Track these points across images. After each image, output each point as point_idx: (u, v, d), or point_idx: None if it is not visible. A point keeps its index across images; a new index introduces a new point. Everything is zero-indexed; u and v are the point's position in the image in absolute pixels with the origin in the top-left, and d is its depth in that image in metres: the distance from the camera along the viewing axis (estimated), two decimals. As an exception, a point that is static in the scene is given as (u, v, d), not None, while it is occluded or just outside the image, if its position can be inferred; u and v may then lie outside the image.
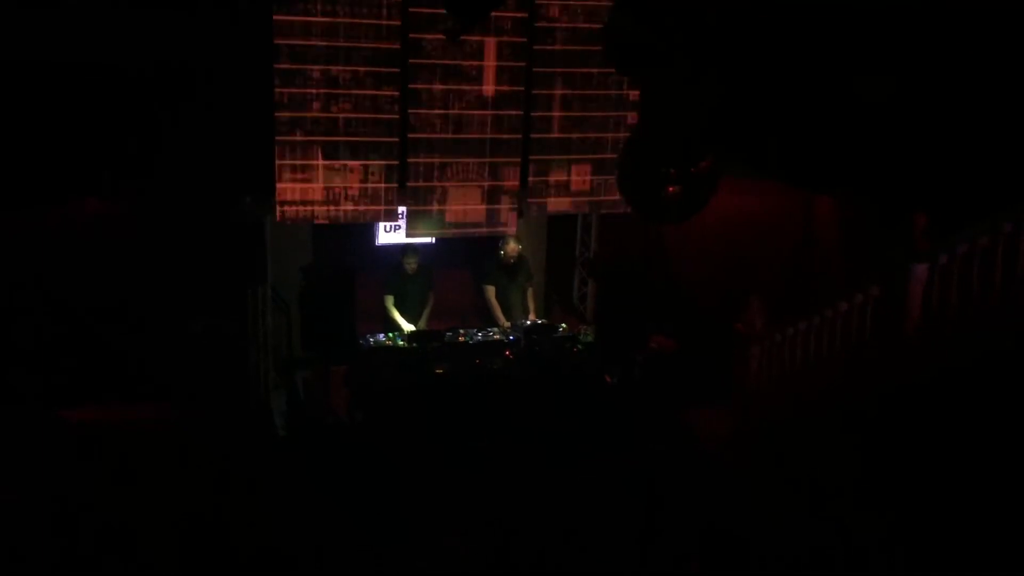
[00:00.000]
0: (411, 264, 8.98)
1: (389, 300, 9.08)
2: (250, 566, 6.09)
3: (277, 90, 7.72)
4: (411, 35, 7.96)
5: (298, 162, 7.93)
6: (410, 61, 8.02)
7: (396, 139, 8.17)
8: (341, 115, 7.95)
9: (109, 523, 6.32)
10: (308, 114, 7.86)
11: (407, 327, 8.93)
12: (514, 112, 8.47)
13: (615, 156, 8.56)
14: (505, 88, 8.38)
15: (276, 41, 7.62)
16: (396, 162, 8.23)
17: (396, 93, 8.06)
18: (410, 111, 8.14)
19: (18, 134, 7.26)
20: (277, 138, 7.82)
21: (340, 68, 7.83)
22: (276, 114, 7.77)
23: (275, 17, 7.56)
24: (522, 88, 8.44)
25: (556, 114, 8.60)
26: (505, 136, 8.50)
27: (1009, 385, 6.32)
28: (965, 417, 6.51)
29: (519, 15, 8.21)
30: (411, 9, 7.90)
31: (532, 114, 8.55)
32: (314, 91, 7.82)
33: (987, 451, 6.34)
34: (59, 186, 7.60)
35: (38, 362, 7.88)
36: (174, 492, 6.68)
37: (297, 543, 6.33)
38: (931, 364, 6.98)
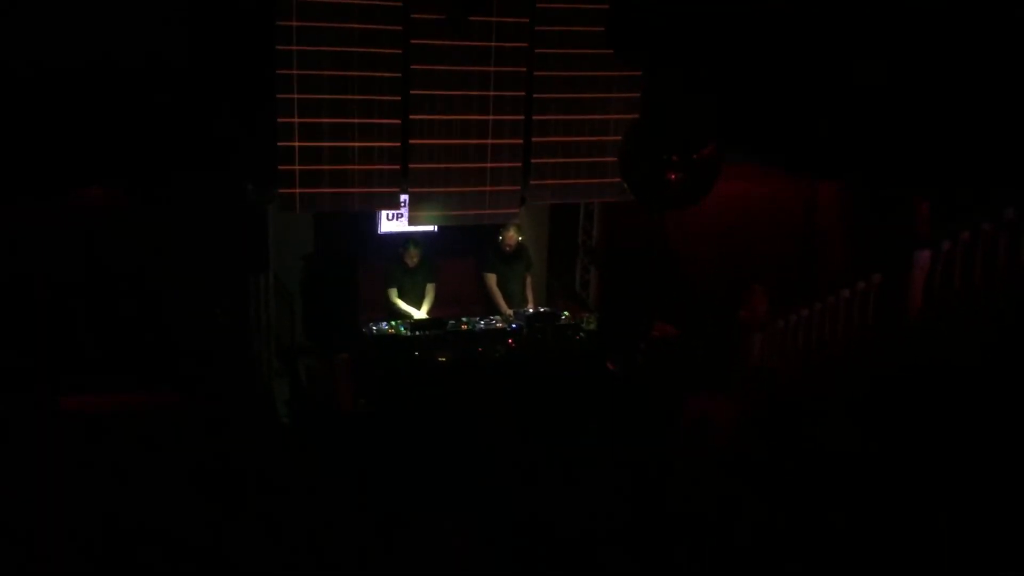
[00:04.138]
0: (413, 257, 8.97)
1: (392, 293, 9.07)
2: (253, 556, 6.10)
3: (279, 73, 7.67)
4: (413, 15, 7.92)
5: (303, 144, 7.89)
6: (411, 41, 7.97)
7: (398, 120, 8.12)
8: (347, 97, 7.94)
9: (112, 513, 6.33)
10: (313, 95, 7.80)
11: (417, 314, 8.96)
12: (517, 94, 8.41)
13: (617, 141, 8.54)
14: (507, 69, 8.32)
15: (279, 23, 7.55)
16: (398, 144, 8.17)
17: (398, 75, 8.02)
18: (412, 92, 8.09)
19: (22, 127, 7.28)
20: (280, 120, 7.76)
21: (344, 51, 7.81)
22: (279, 96, 7.73)
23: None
24: (523, 69, 8.38)
25: (558, 96, 8.54)
26: (507, 119, 8.44)
27: (1012, 371, 6.32)
28: (968, 403, 6.52)
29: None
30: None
31: (534, 96, 8.50)
32: (319, 73, 7.78)
33: (990, 437, 6.34)
34: (63, 176, 7.60)
35: (39, 351, 7.89)
36: (177, 481, 6.69)
37: (300, 530, 6.34)
38: (934, 350, 6.99)
